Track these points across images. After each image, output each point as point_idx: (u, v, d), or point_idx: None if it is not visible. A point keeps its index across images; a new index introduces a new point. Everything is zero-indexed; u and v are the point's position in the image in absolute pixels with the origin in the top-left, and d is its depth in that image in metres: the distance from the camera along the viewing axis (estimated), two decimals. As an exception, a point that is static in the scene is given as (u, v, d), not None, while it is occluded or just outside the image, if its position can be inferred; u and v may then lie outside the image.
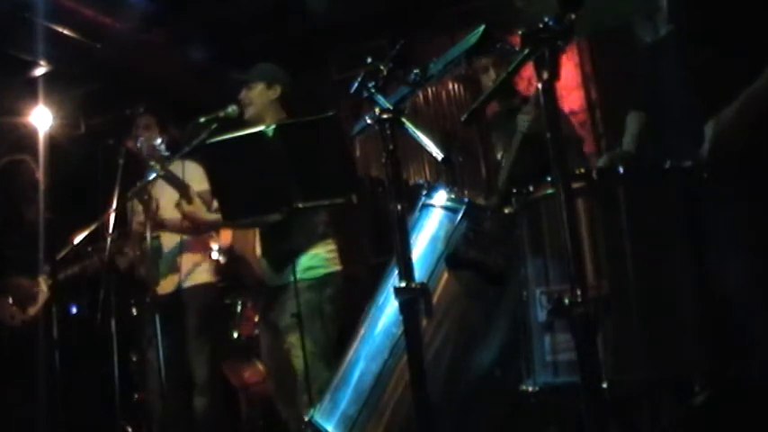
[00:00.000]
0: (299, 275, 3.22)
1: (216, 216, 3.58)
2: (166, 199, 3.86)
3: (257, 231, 3.62)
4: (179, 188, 3.58)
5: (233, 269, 4.82)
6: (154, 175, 3.65)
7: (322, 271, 3.37)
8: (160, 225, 3.81)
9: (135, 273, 4.03)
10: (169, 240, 3.97)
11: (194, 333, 3.95)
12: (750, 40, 2.16)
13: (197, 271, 4.02)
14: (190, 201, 3.54)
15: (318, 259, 3.38)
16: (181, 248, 3.93)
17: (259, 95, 3.50)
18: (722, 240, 2.03)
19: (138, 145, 3.70)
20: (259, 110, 3.49)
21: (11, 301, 4.13)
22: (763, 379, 2.10)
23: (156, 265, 3.87)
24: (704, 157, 2.11)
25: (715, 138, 2.12)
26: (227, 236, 4.62)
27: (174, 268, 3.96)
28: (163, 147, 3.31)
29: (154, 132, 4.08)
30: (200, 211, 3.60)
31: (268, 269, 3.48)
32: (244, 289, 4.91)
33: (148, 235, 3.74)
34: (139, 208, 3.77)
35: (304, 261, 3.34)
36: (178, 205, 3.58)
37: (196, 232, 3.99)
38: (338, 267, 3.44)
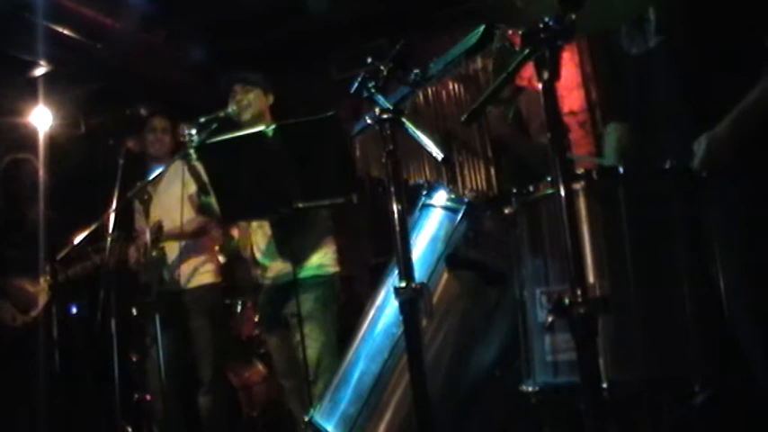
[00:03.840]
0: (311, 272, 3.36)
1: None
2: (170, 200, 3.89)
3: (255, 233, 3.62)
4: (199, 180, 3.61)
5: (231, 270, 4.83)
6: (158, 171, 3.69)
7: (331, 270, 3.47)
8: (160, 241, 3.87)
9: (138, 274, 4.06)
10: (171, 245, 4.01)
11: (199, 333, 3.99)
12: (741, 50, 2.16)
13: (200, 272, 4.07)
14: (208, 193, 3.56)
15: (328, 258, 3.48)
16: (183, 252, 4.00)
17: (256, 99, 3.54)
18: (718, 238, 2.03)
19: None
20: (257, 113, 3.51)
21: (11, 304, 4.14)
22: (762, 379, 2.10)
23: (158, 271, 3.90)
24: (696, 169, 2.12)
25: (707, 152, 2.14)
26: (234, 232, 4.66)
27: (177, 271, 4.00)
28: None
29: (168, 134, 4.13)
30: (214, 204, 3.60)
31: (276, 266, 3.49)
32: (242, 289, 4.91)
33: (149, 240, 3.77)
34: (142, 211, 3.78)
35: (316, 258, 3.42)
36: (197, 197, 3.64)
37: (196, 236, 4.03)
38: (339, 268, 3.52)
